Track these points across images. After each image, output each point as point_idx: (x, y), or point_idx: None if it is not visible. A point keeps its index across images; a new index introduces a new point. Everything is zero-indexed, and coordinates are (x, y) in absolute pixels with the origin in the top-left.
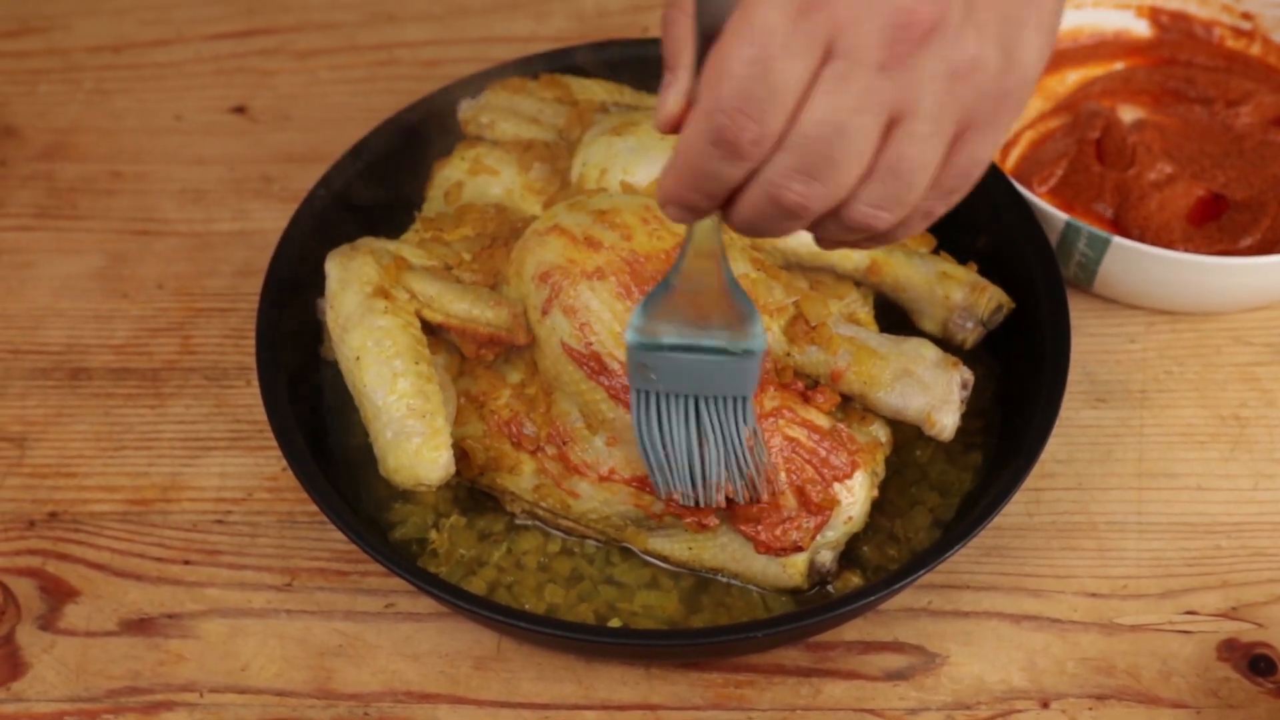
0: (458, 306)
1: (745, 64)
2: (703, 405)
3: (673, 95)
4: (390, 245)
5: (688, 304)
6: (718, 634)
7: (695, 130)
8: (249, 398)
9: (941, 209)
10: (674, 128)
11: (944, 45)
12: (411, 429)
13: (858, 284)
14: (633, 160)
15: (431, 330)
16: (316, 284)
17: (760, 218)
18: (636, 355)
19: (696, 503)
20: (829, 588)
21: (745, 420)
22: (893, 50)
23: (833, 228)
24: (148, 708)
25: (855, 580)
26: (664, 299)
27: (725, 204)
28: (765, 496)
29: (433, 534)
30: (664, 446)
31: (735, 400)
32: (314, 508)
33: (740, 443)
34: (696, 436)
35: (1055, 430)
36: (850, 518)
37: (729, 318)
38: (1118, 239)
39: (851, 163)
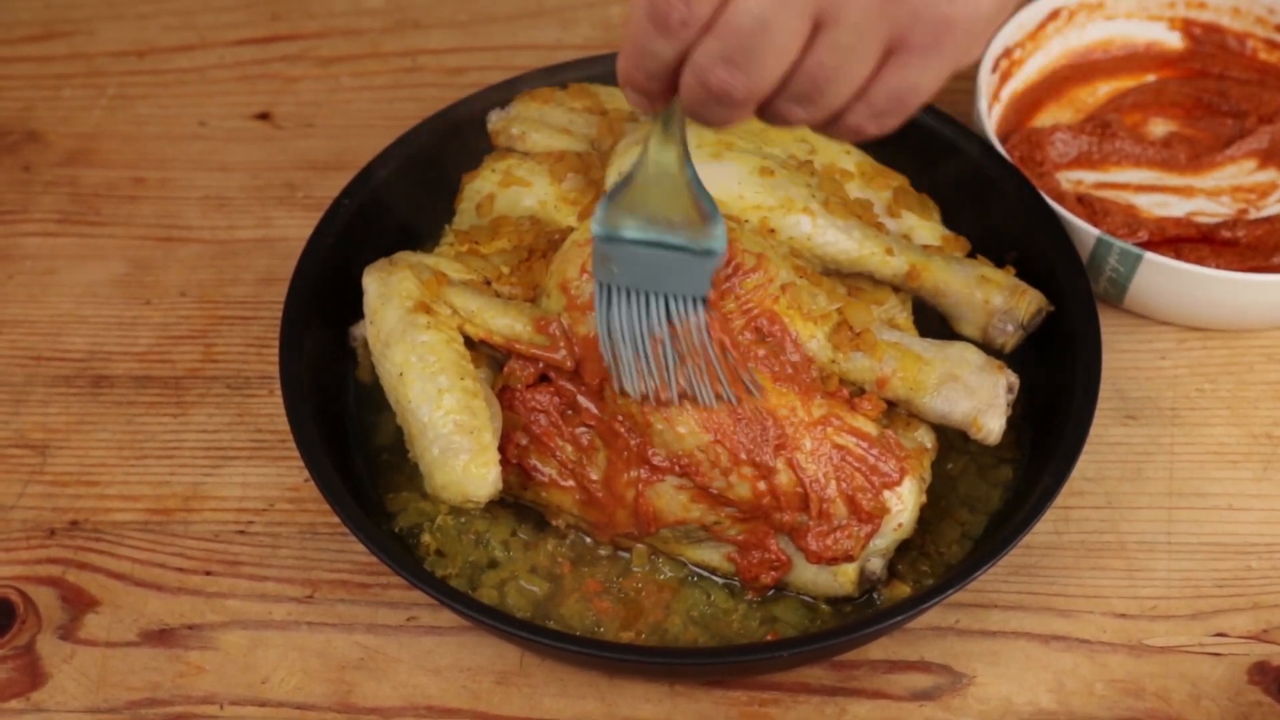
0: (500, 322)
1: None
2: (665, 303)
3: None
4: (428, 259)
5: (650, 198)
6: (743, 652)
7: (637, 7)
8: (271, 407)
9: (872, 129)
10: None
11: None
12: (459, 445)
13: (896, 289)
14: None
15: (472, 345)
16: (341, 292)
17: (695, 102)
18: (600, 247)
19: (654, 399)
20: (875, 595)
21: (699, 319)
22: None
23: (766, 115)
24: (167, 719)
25: (904, 589)
26: (627, 192)
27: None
28: (734, 399)
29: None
30: (623, 339)
31: (693, 300)
32: (336, 519)
33: (709, 345)
34: (667, 335)
35: (1085, 448)
36: (900, 524)
37: (690, 215)
38: (1149, 255)
39: (771, 57)
